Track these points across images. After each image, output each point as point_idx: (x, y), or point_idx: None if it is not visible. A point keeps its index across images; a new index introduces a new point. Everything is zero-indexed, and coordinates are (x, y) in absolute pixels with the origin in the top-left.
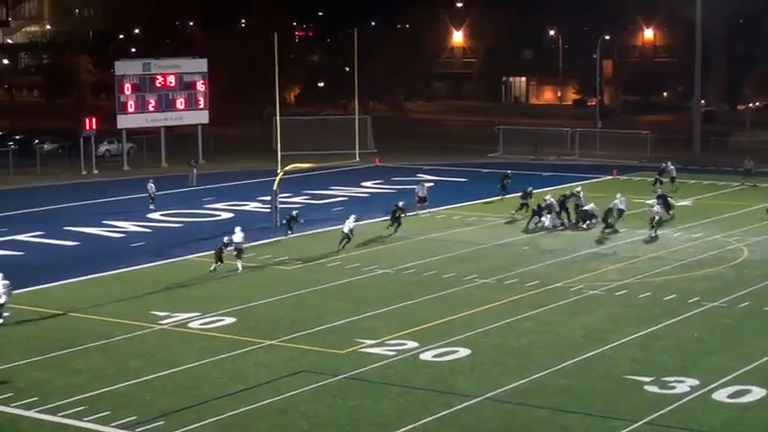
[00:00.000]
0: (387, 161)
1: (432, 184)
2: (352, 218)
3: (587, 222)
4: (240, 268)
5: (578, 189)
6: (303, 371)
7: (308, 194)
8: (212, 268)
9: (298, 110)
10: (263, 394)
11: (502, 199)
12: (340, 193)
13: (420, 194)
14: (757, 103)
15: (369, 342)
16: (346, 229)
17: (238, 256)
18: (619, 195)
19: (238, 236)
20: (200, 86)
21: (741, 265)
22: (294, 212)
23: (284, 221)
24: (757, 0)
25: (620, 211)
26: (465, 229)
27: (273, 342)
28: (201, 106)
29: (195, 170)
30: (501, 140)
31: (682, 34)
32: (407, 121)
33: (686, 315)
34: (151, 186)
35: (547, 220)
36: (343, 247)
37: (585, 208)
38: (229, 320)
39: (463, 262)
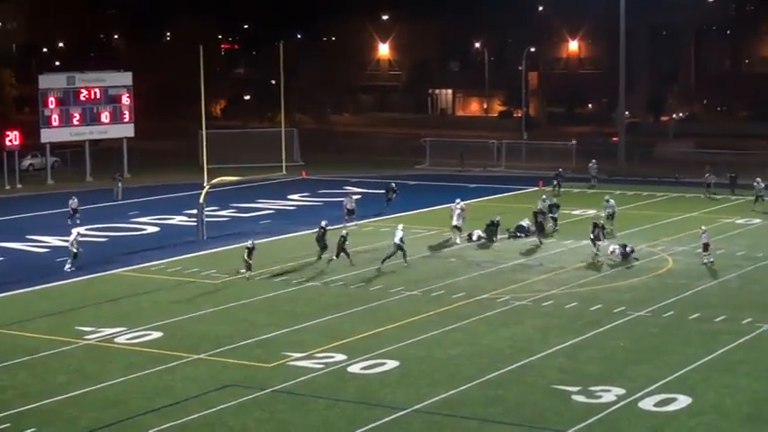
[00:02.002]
0: (313, 174)
1: (359, 196)
2: (400, 227)
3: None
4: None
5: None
6: (231, 385)
7: (235, 208)
8: (246, 275)
9: (224, 123)
10: (191, 409)
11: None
12: (267, 206)
13: (348, 207)
14: (680, 114)
15: (296, 355)
16: (397, 240)
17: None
18: (543, 196)
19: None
20: (126, 100)
21: (666, 274)
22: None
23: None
24: (679, 13)
25: (546, 213)
26: (391, 241)
27: (201, 356)
28: (127, 120)
29: (120, 184)
30: (428, 152)
31: (606, 46)
32: (334, 134)
33: (612, 325)
34: (73, 201)
35: (474, 234)
36: (406, 260)
37: (521, 223)
38: (156, 335)
39: (390, 274)
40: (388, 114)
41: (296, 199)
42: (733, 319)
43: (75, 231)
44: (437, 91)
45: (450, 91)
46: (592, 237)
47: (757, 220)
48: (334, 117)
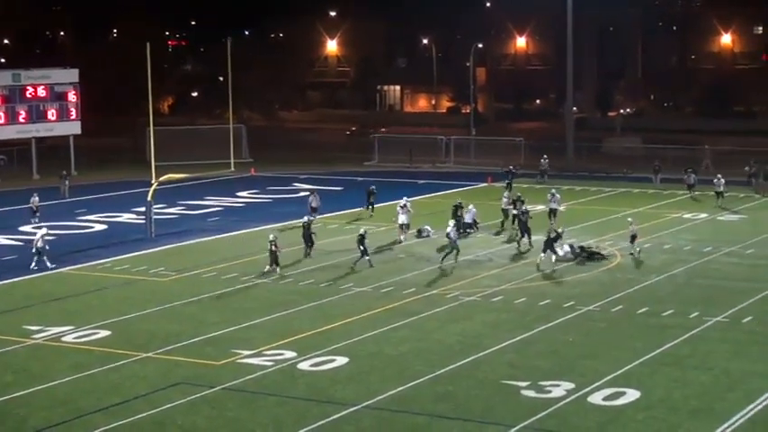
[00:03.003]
0: (262, 171)
1: (308, 193)
2: (452, 223)
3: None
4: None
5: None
6: (180, 383)
7: (183, 205)
8: (266, 270)
9: (171, 120)
10: (140, 407)
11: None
12: (215, 203)
13: (313, 204)
14: (628, 110)
15: (246, 353)
16: (453, 235)
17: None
18: (471, 207)
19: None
20: (72, 97)
21: (614, 269)
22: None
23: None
24: (626, 9)
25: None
26: (341, 237)
27: (149, 354)
28: (73, 117)
29: (67, 182)
30: (376, 149)
31: (553, 42)
32: (283, 131)
33: (561, 320)
34: (35, 199)
35: (424, 230)
36: (456, 259)
37: (467, 220)
38: (104, 333)
39: (340, 270)
40: (337, 111)
41: (244, 196)
42: (681, 314)
43: (41, 230)
44: (385, 87)
45: (398, 87)
46: (550, 244)
47: (703, 215)
48: (283, 114)
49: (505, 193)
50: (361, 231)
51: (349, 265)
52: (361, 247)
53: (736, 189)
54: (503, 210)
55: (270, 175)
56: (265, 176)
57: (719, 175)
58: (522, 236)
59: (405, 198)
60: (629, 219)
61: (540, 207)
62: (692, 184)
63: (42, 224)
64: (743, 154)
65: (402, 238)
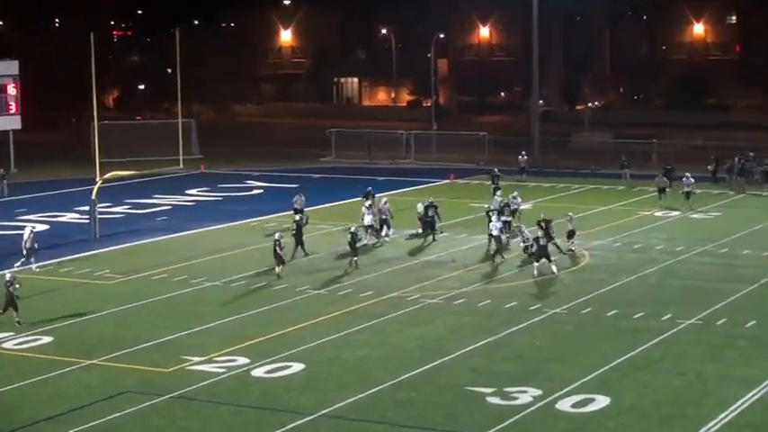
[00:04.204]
0: (213, 167)
1: (262, 191)
2: (495, 217)
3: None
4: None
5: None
6: (127, 391)
7: (130, 204)
8: (278, 272)
9: (117, 114)
10: (85, 417)
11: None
12: (164, 201)
13: (296, 206)
14: (596, 103)
15: (196, 359)
16: (495, 232)
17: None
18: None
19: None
20: (12, 90)
21: (582, 270)
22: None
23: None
24: None
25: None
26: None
27: (94, 361)
28: (13, 111)
29: (6, 180)
30: (333, 144)
31: (518, 33)
32: (235, 125)
33: (527, 323)
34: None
35: (384, 229)
36: (502, 256)
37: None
38: (47, 339)
39: (295, 272)
40: (292, 104)
41: (194, 194)
42: (652, 316)
43: (27, 228)
44: (342, 79)
45: (355, 79)
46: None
47: (675, 213)
48: (235, 108)
49: (495, 212)
50: (352, 229)
51: (302, 265)
52: (354, 246)
53: (709, 186)
54: (492, 235)
55: (221, 172)
56: (216, 173)
57: (688, 174)
58: (538, 260)
59: (384, 199)
60: (569, 213)
61: (526, 206)
62: (663, 188)
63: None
64: (721, 150)
65: (365, 240)
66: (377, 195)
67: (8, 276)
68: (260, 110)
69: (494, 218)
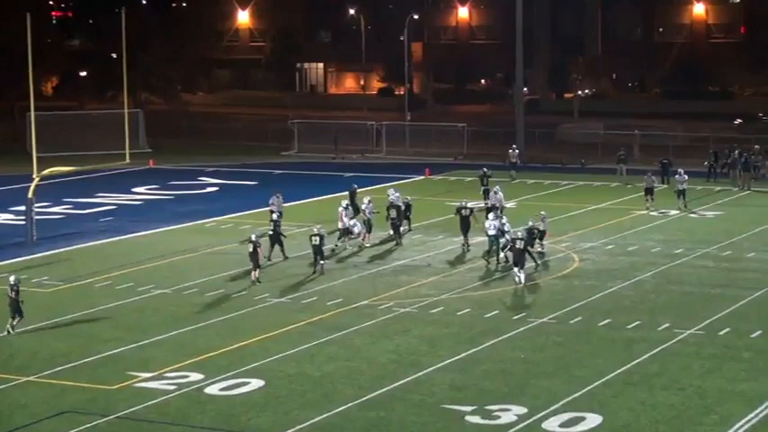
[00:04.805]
0: (163, 163)
1: (217, 188)
2: (492, 215)
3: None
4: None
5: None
6: (68, 411)
7: (71, 203)
8: (255, 277)
9: (56, 103)
10: None
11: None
12: (108, 200)
13: (273, 208)
14: (586, 91)
15: (144, 375)
16: (492, 232)
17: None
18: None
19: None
20: None
21: (572, 275)
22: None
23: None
24: None
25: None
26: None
27: (31, 378)
28: None
29: None
30: (296, 136)
31: (501, 13)
32: (187, 116)
33: (511, 333)
34: None
35: (357, 226)
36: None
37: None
38: None
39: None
40: (250, 92)
41: (142, 192)
42: (648, 326)
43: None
44: (306, 65)
45: (321, 65)
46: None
47: (674, 212)
48: (187, 96)
49: (489, 213)
50: (316, 231)
51: (265, 272)
52: (320, 249)
53: (707, 183)
54: (490, 235)
55: (172, 168)
56: (166, 169)
57: (681, 170)
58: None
59: (367, 198)
60: (542, 212)
61: (510, 205)
62: (651, 187)
63: None
64: (724, 142)
65: (339, 243)
66: (358, 190)
67: (12, 279)
68: (215, 99)
69: (491, 216)
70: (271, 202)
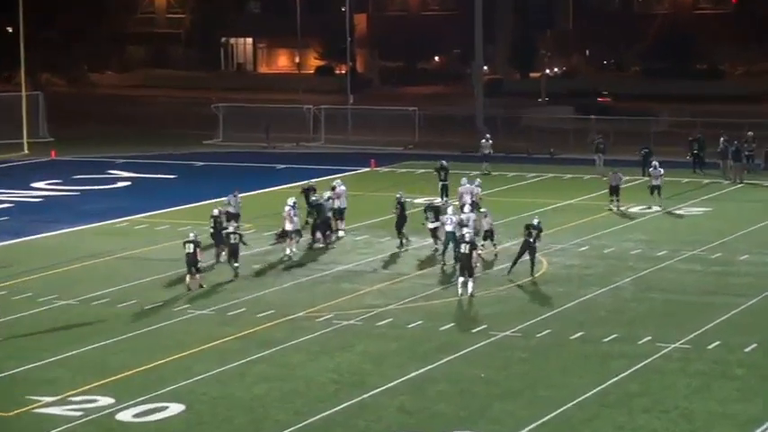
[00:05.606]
0: (66, 153)
1: (129, 183)
2: (451, 210)
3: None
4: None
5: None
6: None
7: None
8: (188, 282)
9: None
10: None
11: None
12: (2, 197)
13: (232, 210)
14: (555, 70)
15: (46, 399)
16: (450, 228)
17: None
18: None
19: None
20: None
21: (539, 281)
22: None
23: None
24: None
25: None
26: (175, 242)
27: None
28: None
29: None
30: (221, 123)
31: None
32: (94, 99)
33: (470, 349)
34: None
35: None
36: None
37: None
38: None
39: (173, 287)
40: (168, 72)
41: (42, 188)
42: (627, 339)
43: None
44: (232, 40)
45: (249, 40)
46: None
47: (656, 208)
48: (95, 77)
49: (449, 208)
50: (192, 237)
51: (180, 278)
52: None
53: (691, 174)
54: (448, 231)
55: (77, 160)
56: (70, 161)
57: (656, 163)
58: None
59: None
60: (483, 210)
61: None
62: (616, 185)
63: None
64: (709, 128)
65: (291, 249)
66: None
67: (191, 236)
68: (126, 79)
69: (449, 209)
70: (227, 201)
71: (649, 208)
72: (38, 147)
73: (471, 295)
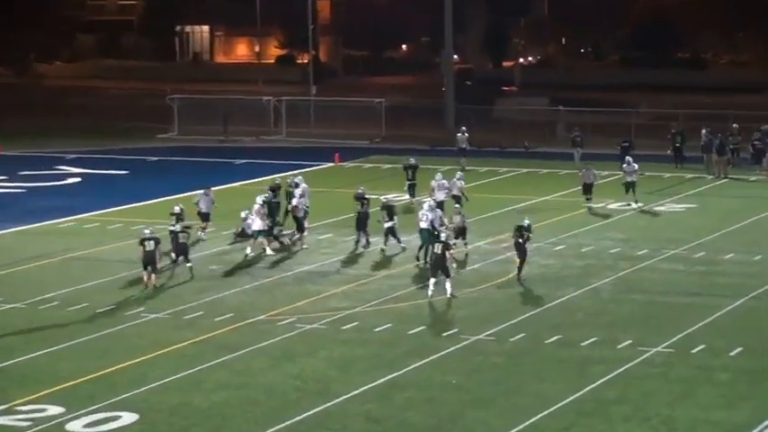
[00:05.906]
0: (11, 149)
1: (79, 179)
2: (426, 206)
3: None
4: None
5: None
6: None
7: None
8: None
9: None
10: None
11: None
12: None
13: (202, 209)
14: (530, 59)
15: None
16: (424, 224)
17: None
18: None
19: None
20: None
21: (513, 282)
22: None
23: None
24: None
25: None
26: (128, 242)
27: None
28: None
29: None
30: (176, 115)
31: None
32: (41, 91)
33: (441, 354)
34: None
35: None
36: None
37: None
38: None
39: (126, 289)
40: (119, 62)
41: None
42: (606, 343)
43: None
44: (188, 28)
45: (206, 28)
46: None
47: (637, 205)
48: (42, 67)
49: (425, 204)
50: (148, 233)
51: (134, 279)
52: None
53: (673, 169)
54: (422, 229)
55: (22, 155)
56: (16, 156)
57: (629, 158)
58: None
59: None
60: (456, 206)
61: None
62: (590, 183)
63: None
64: (692, 120)
65: (268, 250)
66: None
67: (147, 232)
68: (75, 69)
69: (425, 205)
70: (196, 202)
71: (628, 205)
72: None
73: (452, 296)
